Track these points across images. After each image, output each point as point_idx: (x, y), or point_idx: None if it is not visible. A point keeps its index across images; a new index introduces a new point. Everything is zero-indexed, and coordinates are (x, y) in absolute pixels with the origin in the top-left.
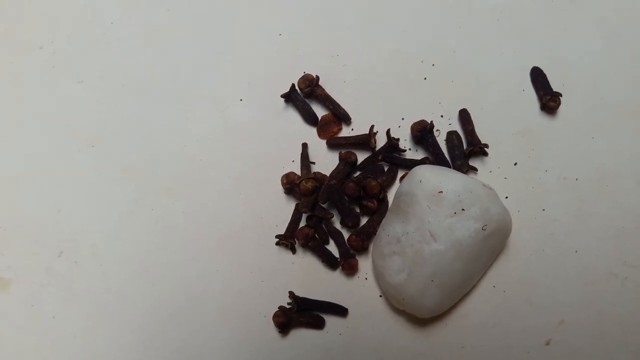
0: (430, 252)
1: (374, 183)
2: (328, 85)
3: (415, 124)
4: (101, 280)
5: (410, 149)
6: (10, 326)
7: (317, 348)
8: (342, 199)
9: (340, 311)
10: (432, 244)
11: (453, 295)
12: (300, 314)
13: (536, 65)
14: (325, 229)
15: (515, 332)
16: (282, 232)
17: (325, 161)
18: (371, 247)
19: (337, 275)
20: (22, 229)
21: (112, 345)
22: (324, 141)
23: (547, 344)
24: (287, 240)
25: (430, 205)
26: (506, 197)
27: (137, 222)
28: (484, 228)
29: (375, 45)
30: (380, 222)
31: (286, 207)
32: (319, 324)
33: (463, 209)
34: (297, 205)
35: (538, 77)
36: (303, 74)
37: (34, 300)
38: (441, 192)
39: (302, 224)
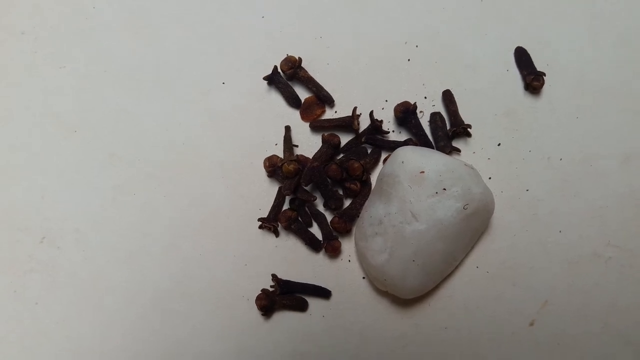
0: (411, 231)
1: (356, 165)
2: (311, 68)
3: (398, 105)
4: (84, 266)
5: (393, 131)
6: None
7: (300, 330)
8: (324, 181)
9: (323, 293)
10: (413, 224)
11: (435, 275)
12: (283, 296)
13: (520, 46)
14: (308, 211)
15: (498, 313)
16: (265, 215)
17: (309, 144)
18: (354, 229)
19: (320, 257)
20: (4, 215)
21: (95, 331)
22: (307, 124)
23: (531, 324)
24: (270, 224)
25: (412, 186)
26: (490, 178)
27: (120, 208)
28: (465, 207)
29: (358, 27)
30: (363, 204)
31: (269, 191)
32: (302, 307)
33: (444, 189)
34: (280, 189)
35: (522, 57)
36: (286, 56)
37: (17, 287)
38: (423, 172)
39: (286, 207)
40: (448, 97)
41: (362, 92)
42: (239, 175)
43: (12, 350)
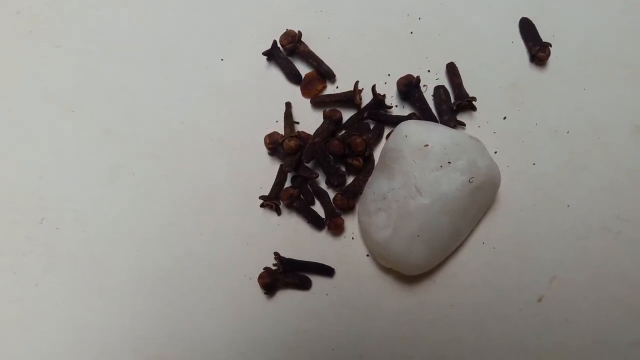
0: (415, 206)
1: (359, 140)
2: (312, 43)
3: (401, 79)
4: (83, 246)
5: (396, 106)
6: None
7: (303, 309)
8: (326, 157)
9: (326, 271)
10: (418, 198)
11: (441, 251)
12: (286, 275)
13: (525, 16)
14: (310, 189)
15: (506, 290)
16: (266, 193)
17: (310, 120)
18: (357, 206)
19: (323, 235)
20: (2, 196)
21: (95, 312)
22: (308, 100)
23: (539, 300)
24: (271, 202)
25: (416, 160)
26: (495, 152)
27: (119, 187)
28: (470, 180)
29: (359, 0)
30: (366, 180)
31: (270, 168)
32: (305, 285)
33: (449, 162)
34: (281, 166)
35: (527, 28)
36: (285, 30)
37: (16, 268)
38: (427, 145)
39: (287, 184)
40: (452, 70)
41: (363, 66)
42: (239, 153)
43: (12, 331)
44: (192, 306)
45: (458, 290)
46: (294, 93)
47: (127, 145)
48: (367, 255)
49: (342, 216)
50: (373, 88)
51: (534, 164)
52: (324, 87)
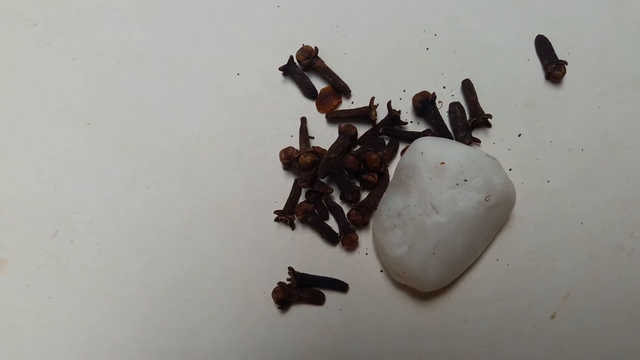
0: (431, 224)
1: (374, 156)
2: (327, 58)
3: (416, 95)
4: (98, 259)
5: (411, 122)
6: (6, 307)
7: (317, 324)
8: (341, 173)
9: (340, 287)
10: (434, 216)
11: (455, 268)
12: (300, 289)
13: (541, 34)
14: (324, 204)
15: (519, 306)
16: (281, 208)
17: (325, 135)
18: (372, 222)
19: (337, 250)
20: (17, 208)
21: (108, 324)
22: (324, 115)
23: (553, 317)
24: (286, 216)
25: (432, 177)
26: (510, 169)
27: (134, 200)
28: (487, 199)
29: (375, 16)
30: (381, 196)
31: (285, 183)
32: (319, 300)
33: (465, 180)
34: (296, 181)
35: (543, 46)
36: (302, 46)
37: (30, 281)
38: (443, 163)
39: (302, 199)
40: (467, 87)
41: (379, 82)
42: (254, 167)
43: (25, 343)
44: (205, 320)
45: (472, 306)
46: (309, 108)
47: (142, 159)
48: (381, 271)
49: (356, 232)
50: (388, 104)
51: (548, 181)
52: (340, 103)
